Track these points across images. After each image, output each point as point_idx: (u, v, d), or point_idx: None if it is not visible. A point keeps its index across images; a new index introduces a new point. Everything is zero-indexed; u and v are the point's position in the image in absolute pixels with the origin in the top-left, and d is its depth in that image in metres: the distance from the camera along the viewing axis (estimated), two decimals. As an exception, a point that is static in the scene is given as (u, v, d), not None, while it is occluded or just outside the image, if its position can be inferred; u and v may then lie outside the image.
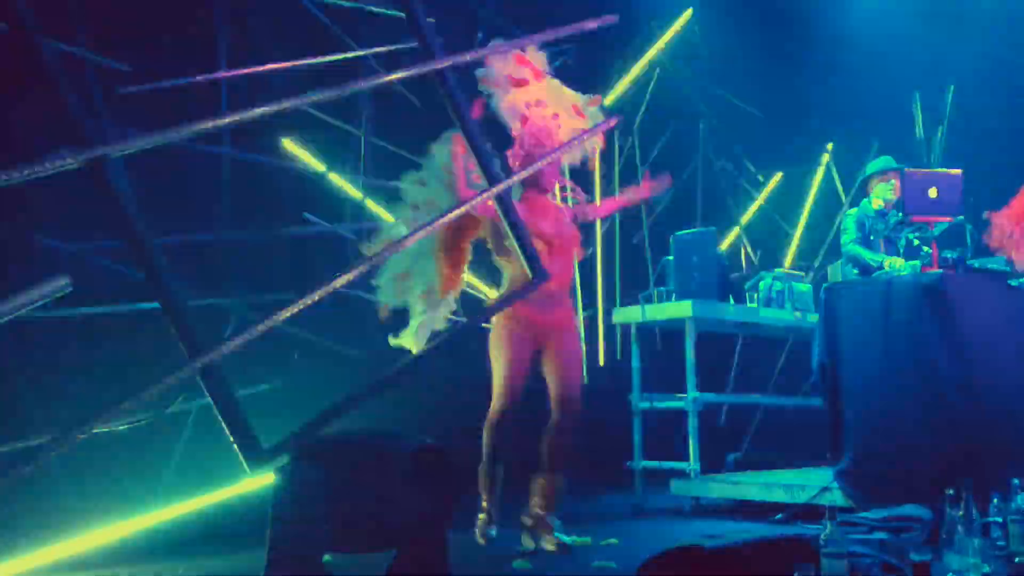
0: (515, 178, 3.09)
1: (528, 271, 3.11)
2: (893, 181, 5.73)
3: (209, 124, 2.92)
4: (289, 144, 6.20)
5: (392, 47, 6.26)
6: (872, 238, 5.77)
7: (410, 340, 4.05)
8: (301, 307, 2.90)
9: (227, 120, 3.33)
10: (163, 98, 5.01)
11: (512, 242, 3.65)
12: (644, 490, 5.77)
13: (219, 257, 5.69)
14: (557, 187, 4.80)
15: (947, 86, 7.85)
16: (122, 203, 2.41)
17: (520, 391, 4.31)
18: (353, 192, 6.48)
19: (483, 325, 4.21)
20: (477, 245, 4.48)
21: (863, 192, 6.11)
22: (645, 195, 4.69)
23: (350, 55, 6.18)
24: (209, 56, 5.67)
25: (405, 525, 1.87)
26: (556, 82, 4.43)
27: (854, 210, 6.02)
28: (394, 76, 2.94)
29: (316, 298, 2.94)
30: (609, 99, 7.55)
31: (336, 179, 6.40)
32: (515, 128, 4.37)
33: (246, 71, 5.56)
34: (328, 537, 1.80)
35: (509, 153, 4.42)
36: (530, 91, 4.34)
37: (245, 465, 2.54)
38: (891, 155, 6.13)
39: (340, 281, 3.04)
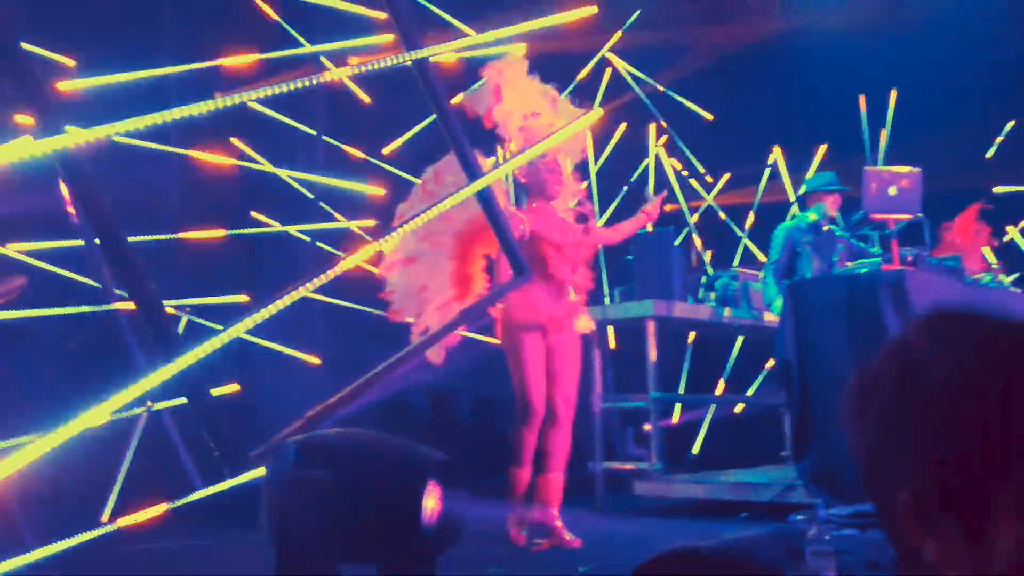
0: (494, 174, 3.01)
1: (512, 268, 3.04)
2: (834, 200, 5.81)
3: (156, 119, 2.77)
4: (238, 143, 6.03)
5: (345, 43, 6.15)
6: (799, 250, 5.80)
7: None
8: (279, 307, 2.78)
9: (174, 115, 3.18)
10: (108, 94, 4.86)
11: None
12: (605, 491, 5.73)
13: (166, 258, 5.51)
14: (570, 200, 4.82)
15: (891, 89, 7.99)
16: (96, 198, 2.27)
17: (544, 392, 4.43)
18: (304, 192, 6.34)
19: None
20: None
21: (802, 204, 6.18)
22: (653, 218, 4.81)
23: (300, 51, 6.05)
24: (156, 52, 5.50)
25: (416, 535, 1.77)
26: (547, 88, 4.48)
27: (787, 223, 6.06)
28: (368, 66, 2.83)
29: (293, 299, 2.82)
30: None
31: (287, 178, 6.25)
32: (517, 141, 4.37)
33: (194, 66, 5.41)
34: (342, 546, 1.69)
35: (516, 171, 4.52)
36: (526, 101, 4.37)
37: (224, 470, 2.42)
38: (839, 155, 6.24)
39: (315, 283, 2.93)
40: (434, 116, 7.12)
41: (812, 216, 5.87)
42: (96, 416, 2.00)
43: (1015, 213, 7.72)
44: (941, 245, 6.21)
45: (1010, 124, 7.89)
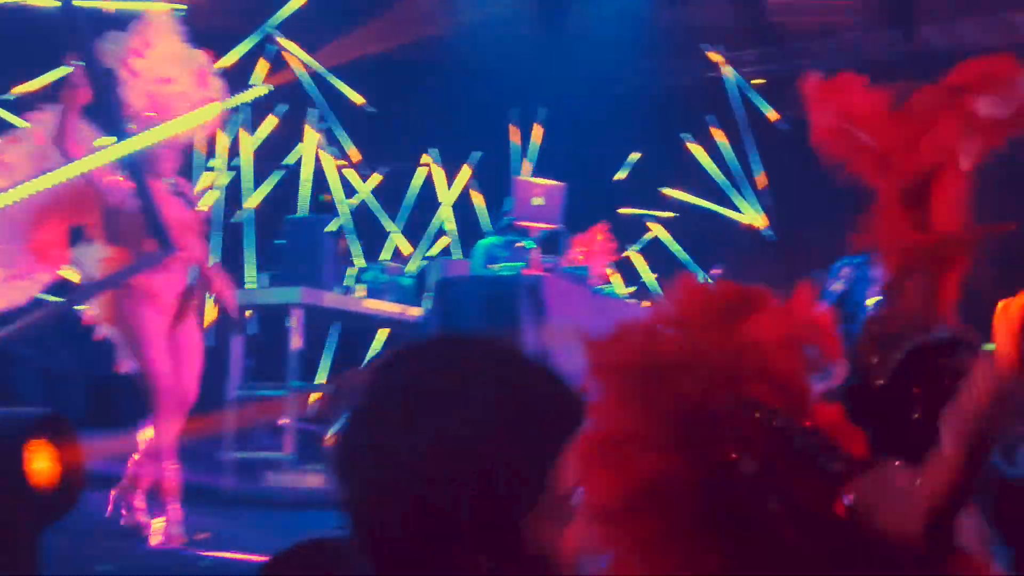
0: (133, 143, 2.76)
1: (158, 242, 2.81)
2: None
3: None
4: None
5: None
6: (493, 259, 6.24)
7: None
8: None
9: None
10: None
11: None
12: (237, 481, 5.52)
13: None
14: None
15: (541, 105, 8.50)
16: None
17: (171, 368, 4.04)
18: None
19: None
20: None
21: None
22: None
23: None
24: None
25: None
26: (186, 49, 4.11)
27: (486, 241, 6.41)
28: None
29: None
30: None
31: None
32: (137, 106, 3.94)
33: None
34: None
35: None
36: (155, 64, 3.97)
37: None
38: (489, 163, 6.56)
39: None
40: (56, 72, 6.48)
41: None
42: None
43: (634, 233, 8.53)
44: (567, 255, 6.76)
45: (634, 155, 8.68)
